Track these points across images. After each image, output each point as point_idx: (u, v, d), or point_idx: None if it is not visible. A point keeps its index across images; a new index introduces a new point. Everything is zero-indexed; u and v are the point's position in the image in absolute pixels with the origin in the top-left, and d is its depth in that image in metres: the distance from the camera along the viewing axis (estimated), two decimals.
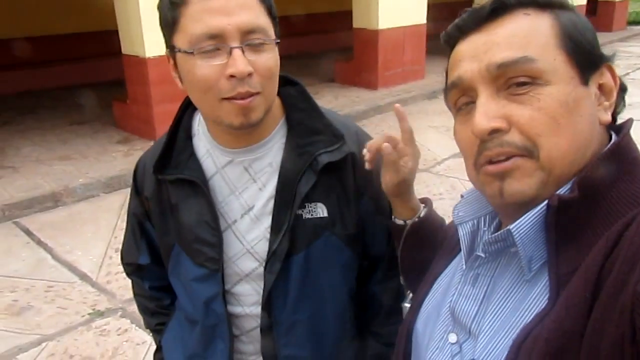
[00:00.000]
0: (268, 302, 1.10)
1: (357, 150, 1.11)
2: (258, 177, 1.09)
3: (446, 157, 5.65)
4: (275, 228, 1.07)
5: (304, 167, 1.06)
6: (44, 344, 2.96)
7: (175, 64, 1.01)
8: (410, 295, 1.17)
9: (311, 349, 1.17)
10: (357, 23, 8.33)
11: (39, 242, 4.13)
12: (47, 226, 4.40)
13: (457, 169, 5.25)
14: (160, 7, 0.99)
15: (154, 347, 1.38)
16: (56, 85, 8.60)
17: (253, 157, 1.09)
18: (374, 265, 1.26)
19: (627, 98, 0.76)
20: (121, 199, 4.65)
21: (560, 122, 0.65)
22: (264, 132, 1.08)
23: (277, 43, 1.00)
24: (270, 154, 1.09)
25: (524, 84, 0.67)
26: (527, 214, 0.66)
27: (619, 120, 0.75)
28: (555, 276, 0.64)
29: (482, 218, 0.83)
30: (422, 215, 1.07)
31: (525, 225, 0.66)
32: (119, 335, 3.02)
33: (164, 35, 1.01)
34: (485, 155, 0.69)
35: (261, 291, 1.10)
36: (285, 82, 1.11)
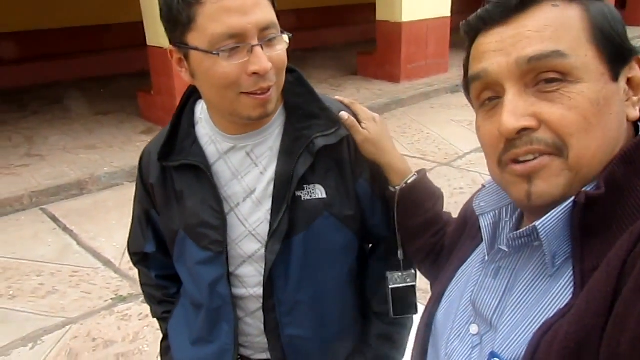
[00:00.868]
0: (269, 282, 1.13)
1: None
2: (259, 161, 1.13)
3: (468, 151, 5.60)
4: (275, 209, 1.10)
5: (301, 150, 1.09)
6: (67, 327, 3.05)
7: (181, 59, 1.03)
8: (407, 271, 1.22)
9: (314, 328, 1.20)
10: (380, 15, 8.27)
11: (65, 229, 4.24)
12: (72, 213, 4.50)
13: (478, 163, 5.21)
14: (166, 3, 0.99)
15: None
16: (83, 76, 8.75)
17: (255, 142, 1.12)
18: (375, 246, 1.30)
19: None
20: None
21: (591, 122, 0.63)
22: (265, 119, 1.12)
23: (290, 37, 1.04)
24: (271, 138, 1.13)
25: (553, 80, 0.64)
26: (553, 211, 0.65)
27: None
28: (580, 272, 0.63)
29: (504, 208, 0.82)
30: (409, 181, 1.14)
31: (550, 222, 0.65)
32: (140, 320, 3.09)
33: (169, 30, 1.02)
34: (512, 154, 0.67)
35: (263, 272, 1.13)
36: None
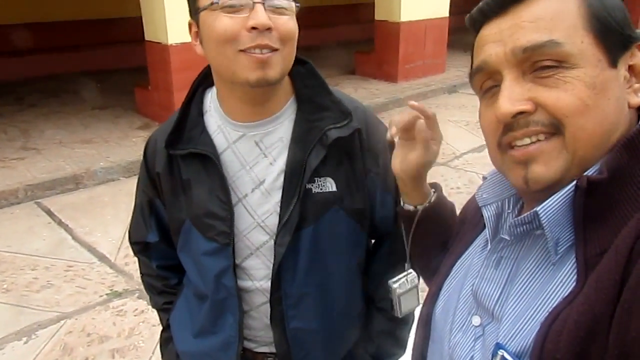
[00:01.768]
0: (278, 275, 1.13)
1: (364, 127, 1.15)
2: (269, 151, 1.12)
3: (465, 151, 5.62)
4: (285, 201, 1.10)
5: (314, 142, 1.09)
6: (62, 322, 3.04)
7: (197, 31, 1.06)
8: (409, 274, 1.15)
9: (319, 321, 1.20)
10: (379, 15, 8.28)
11: (60, 223, 4.23)
12: (68, 207, 4.49)
13: (475, 163, 5.23)
14: None
15: None
16: (80, 69, 8.72)
17: (264, 132, 1.11)
18: (378, 243, 1.29)
19: None
20: None
21: (588, 104, 0.64)
22: (276, 107, 1.11)
23: (298, 7, 1.04)
24: (281, 129, 1.12)
25: (549, 67, 0.66)
26: (554, 196, 0.66)
27: None
28: (582, 258, 0.63)
29: (507, 200, 0.83)
30: (432, 200, 1.05)
31: (552, 207, 0.66)
32: (135, 316, 3.09)
33: (189, 3, 1.06)
34: (510, 137, 0.69)
35: (270, 265, 1.13)
36: (295, 62, 1.13)
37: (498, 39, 0.70)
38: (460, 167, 5.25)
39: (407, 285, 1.14)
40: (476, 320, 0.76)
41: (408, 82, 8.27)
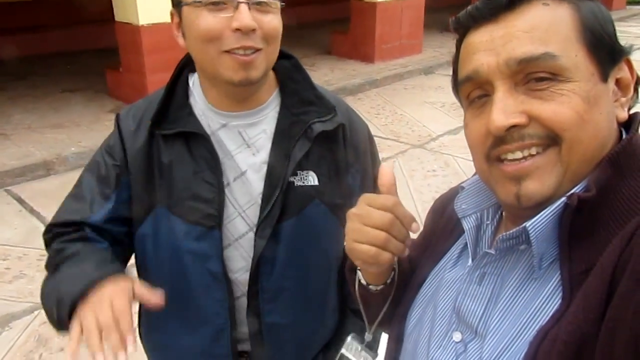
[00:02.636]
0: (256, 267, 1.12)
1: (347, 123, 1.16)
2: (252, 142, 1.11)
3: (441, 133, 5.64)
4: (267, 193, 1.09)
5: (298, 135, 1.09)
6: (36, 312, 2.98)
7: (179, 21, 1.04)
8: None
9: (294, 317, 1.19)
10: None
11: (32, 211, 4.13)
12: (39, 194, 4.38)
13: (451, 146, 5.25)
14: None
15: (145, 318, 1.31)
16: (49, 51, 8.46)
17: (248, 123, 1.11)
18: None
19: None
20: None
21: (584, 118, 0.63)
22: (260, 100, 1.11)
23: (283, 6, 1.03)
24: (265, 120, 1.12)
25: (543, 79, 0.64)
26: (543, 212, 0.64)
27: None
28: (568, 275, 0.63)
29: (486, 211, 0.81)
30: (390, 280, 0.90)
31: (541, 222, 0.64)
32: None
33: None
34: (502, 149, 0.67)
35: (248, 257, 1.12)
36: (281, 56, 1.12)
37: (490, 47, 0.67)
38: (437, 150, 5.27)
39: (356, 356, 0.97)
40: (457, 337, 0.74)
41: (384, 63, 8.24)
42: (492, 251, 0.72)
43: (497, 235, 0.76)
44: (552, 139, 0.64)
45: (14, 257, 3.51)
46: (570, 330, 0.59)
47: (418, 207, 3.93)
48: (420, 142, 5.46)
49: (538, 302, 0.66)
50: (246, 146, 1.11)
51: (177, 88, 1.14)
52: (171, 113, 1.10)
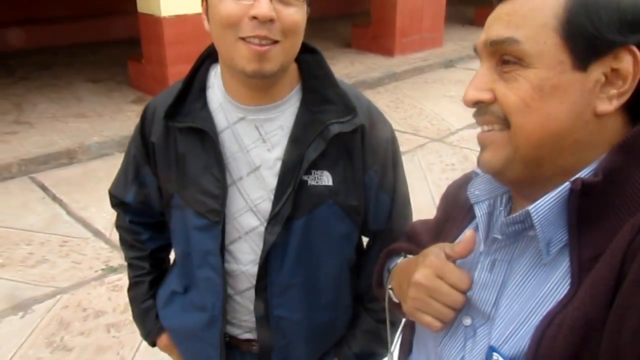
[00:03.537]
0: (265, 262, 1.13)
1: (367, 124, 1.12)
2: (268, 137, 1.11)
3: (460, 127, 5.60)
4: (279, 190, 1.09)
5: (314, 134, 1.07)
6: (58, 296, 3.06)
7: (206, 5, 1.04)
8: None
9: (304, 312, 1.20)
10: None
11: (54, 198, 4.21)
12: (62, 182, 4.47)
13: (470, 140, 5.21)
14: None
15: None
16: (73, 42, 8.57)
17: (265, 117, 1.10)
18: (372, 241, 1.28)
19: None
20: None
21: (530, 105, 0.66)
22: (279, 94, 1.10)
23: (308, 3, 1.02)
24: (283, 116, 1.10)
25: (510, 62, 0.67)
26: (546, 196, 0.65)
27: None
28: (577, 261, 0.63)
29: (499, 197, 0.81)
30: None
31: (544, 206, 0.65)
32: None
33: None
34: (476, 121, 0.74)
35: (259, 251, 1.13)
36: (305, 50, 1.11)
37: (486, 26, 0.72)
38: (455, 144, 5.24)
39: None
40: (467, 321, 0.75)
41: (405, 56, 8.19)
42: (499, 236, 0.72)
43: None
44: (505, 122, 0.69)
45: (37, 242, 3.59)
46: (576, 315, 0.59)
47: (436, 201, 3.90)
48: (440, 135, 5.43)
49: (547, 287, 0.66)
50: (262, 141, 1.10)
51: (194, 81, 1.14)
52: (186, 106, 1.12)
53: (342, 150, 1.11)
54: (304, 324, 1.21)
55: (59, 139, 5.04)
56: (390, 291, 0.92)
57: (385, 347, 1.28)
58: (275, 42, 0.98)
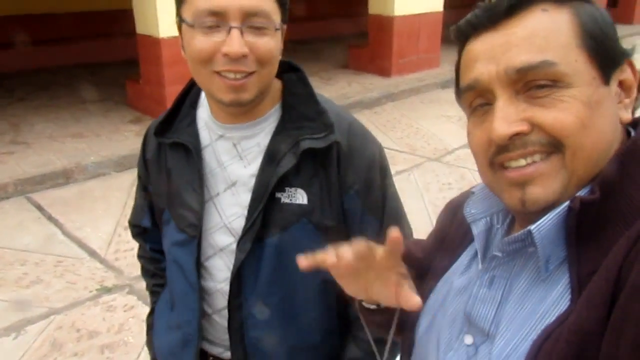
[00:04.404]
0: (237, 280, 1.12)
1: (344, 141, 1.10)
2: (245, 154, 1.12)
3: (457, 147, 5.61)
4: (252, 206, 1.09)
5: (285, 150, 1.07)
6: (52, 317, 3.02)
7: (182, 36, 1.06)
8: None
9: (279, 334, 1.17)
10: (372, 9, 8.24)
11: (50, 218, 4.18)
12: (58, 202, 4.44)
13: (467, 159, 5.22)
14: None
15: None
16: (71, 62, 8.63)
17: (242, 135, 1.12)
18: None
19: None
20: (132, 178, 4.64)
21: (585, 123, 0.63)
22: (259, 112, 1.11)
23: (280, 29, 1.02)
24: (261, 134, 1.12)
25: (544, 86, 0.64)
26: (547, 215, 0.65)
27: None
28: (576, 277, 0.62)
29: (495, 215, 0.81)
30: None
31: (545, 226, 0.65)
32: (125, 311, 3.06)
33: (176, 4, 1.06)
34: (505, 157, 0.67)
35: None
36: (289, 69, 1.13)
37: (490, 56, 0.67)
38: (452, 163, 5.25)
39: None
40: (468, 340, 0.74)
41: (402, 77, 8.25)
42: (499, 253, 0.72)
43: None
44: (554, 146, 0.65)
45: (31, 262, 3.56)
46: (573, 329, 0.59)
47: (433, 220, 3.90)
48: (436, 155, 5.44)
49: (547, 303, 0.65)
50: (239, 158, 1.12)
51: (187, 98, 1.19)
52: (175, 123, 1.16)
53: (318, 168, 1.09)
54: (283, 346, 1.18)
55: (55, 158, 5.03)
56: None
57: None
58: (251, 73, 0.99)
